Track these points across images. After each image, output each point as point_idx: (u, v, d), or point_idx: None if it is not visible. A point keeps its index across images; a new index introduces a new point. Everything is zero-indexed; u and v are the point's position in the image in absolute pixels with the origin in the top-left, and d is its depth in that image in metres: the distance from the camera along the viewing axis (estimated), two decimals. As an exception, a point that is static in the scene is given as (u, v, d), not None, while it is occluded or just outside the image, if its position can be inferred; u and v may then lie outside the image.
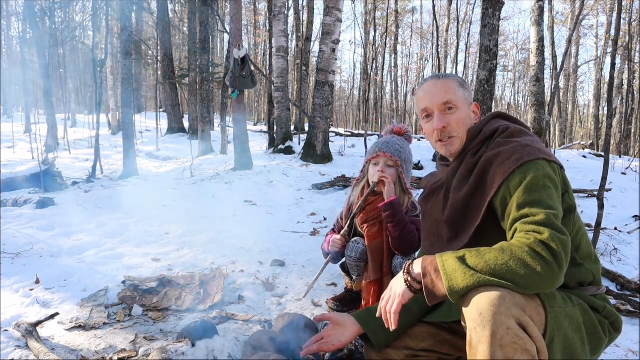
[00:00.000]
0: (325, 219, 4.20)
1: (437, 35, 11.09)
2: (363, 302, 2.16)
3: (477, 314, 1.04)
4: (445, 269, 1.12)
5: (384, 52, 21.55)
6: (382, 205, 2.01)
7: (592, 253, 1.26)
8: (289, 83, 10.50)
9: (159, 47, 13.96)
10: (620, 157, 9.74)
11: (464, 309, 1.10)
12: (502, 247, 1.11)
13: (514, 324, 1.01)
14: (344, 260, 2.24)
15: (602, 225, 3.42)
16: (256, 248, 3.28)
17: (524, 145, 1.23)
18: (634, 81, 14.47)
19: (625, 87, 14.48)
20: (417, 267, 1.20)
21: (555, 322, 1.06)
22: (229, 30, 7.00)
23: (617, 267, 3.02)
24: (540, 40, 9.16)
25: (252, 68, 6.57)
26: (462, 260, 1.11)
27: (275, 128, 8.77)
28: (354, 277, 2.23)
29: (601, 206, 3.25)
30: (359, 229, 2.19)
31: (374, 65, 18.14)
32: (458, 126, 1.37)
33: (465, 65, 21.48)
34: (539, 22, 9.17)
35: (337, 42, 7.17)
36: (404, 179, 2.11)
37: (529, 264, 1.05)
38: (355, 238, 2.19)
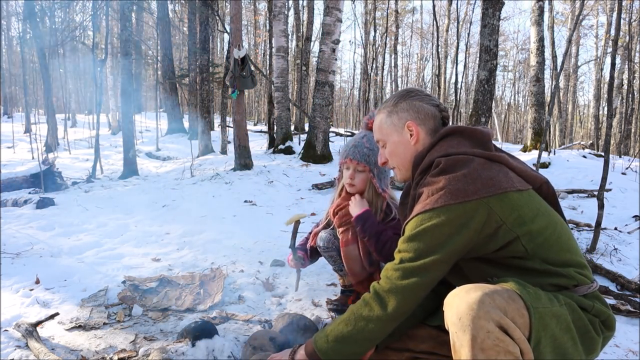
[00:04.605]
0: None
1: (437, 35, 11.10)
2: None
3: (456, 318, 1.05)
4: (320, 353, 1.31)
5: (384, 52, 21.55)
6: (353, 220, 1.96)
7: (572, 260, 1.22)
8: (289, 83, 10.49)
9: (159, 47, 13.96)
10: (620, 157, 9.73)
11: (445, 313, 1.11)
12: (351, 308, 1.31)
13: (493, 327, 1.01)
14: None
15: (602, 225, 3.42)
16: (256, 248, 3.28)
17: (442, 187, 1.20)
18: (634, 81, 14.46)
19: (625, 87, 14.47)
20: (300, 352, 1.38)
21: (540, 322, 1.05)
22: (229, 30, 6.99)
23: (617, 267, 3.01)
24: (540, 40, 9.16)
25: (252, 68, 6.57)
26: (327, 338, 1.31)
27: (275, 128, 8.77)
28: (339, 273, 2.24)
29: (601, 206, 3.26)
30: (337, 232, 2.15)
31: (374, 65, 18.14)
32: (392, 159, 1.45)
33: (465, 65, 21.44)
34: (539, 22, 9.18)
35: (337, 42, 7.17)
36: (375, 184, 2.01)
37: (363, 315, 1.27)
38: (326, 229, 2.18)
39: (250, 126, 13.77)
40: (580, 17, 15.88)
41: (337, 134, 11.99)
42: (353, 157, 2.00)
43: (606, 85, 15.54)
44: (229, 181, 5.81)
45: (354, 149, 2.02)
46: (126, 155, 7.31)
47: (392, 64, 22.31)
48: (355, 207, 1.97)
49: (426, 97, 1.41)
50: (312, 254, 2.26)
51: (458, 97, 11.31)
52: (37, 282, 2.50)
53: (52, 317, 2.05)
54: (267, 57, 14.95)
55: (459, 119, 18.67)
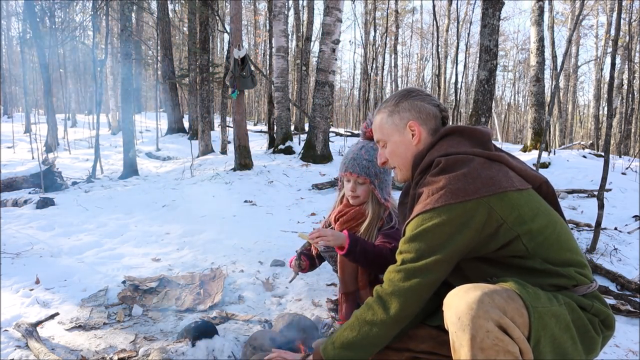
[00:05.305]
0: (325, 219, 4.20)
1: (437, 35, 11.11)
2: (338, 315, 2.08)
3: (456, 318, 1.05)
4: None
5: (384, 52, 21.55)
6: (342, 255, 1.83)
7: (573, 259, 1.21)
8: (289, 83, 10.50)
9: (159, 47, 13.95)
10: (620, 157, 9.72)
11: (445, 313, 1.11)
12: (355, 314, 1.31)
13: (493, 327, 1.01)
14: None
15: (602, 225, 3.42)
16: (256, 248, 3.28)
17: (442, 187, 1.19)
18: (634, 81, 14.46)
19: (625, 87, 14.47)
20: None
21: (539, 322, 1.05)
22: (229, 30, 6.99)
23: (617, 267, 3.02)
24: (540, 40, 9.16)
25: (252, 68, 6.57)
26: (333, 345, 1.30)
27: (275, 128, 8.77)
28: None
29: (601, 206, 3.26)
30: None
31: (374, 65, 18.15)
32: (392, 159, 1.44)
33: (465, 65, 21.43)
34: (539, 22, 9.18)
35: (337, 42, 7.17)
36: (377, 195, 1.99)
37: (367, 320, 1.26)
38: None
39: (250, 126, 13.77)
40: (580, 17, 15.89)
41: (337, 134, 11.99)
42: (353, 170, 1.98)
43: (606, 85, 15.54)
44: (229, 181, 5.81)
45: (353, 162, 1.99)
46: (126, 155, 7.31)
47: (392, 64, 22.33)
48: (337, 241, 1.79)
49: (427, 97, 1.42)
50: (318, 259, 2.26)
51: (458, 97, 11.33)
52: (37, 282, 2.50)
53: (52, 317, 2.06)
54: (267, 57, 14.95)
55: (459, 119, 18.67)
